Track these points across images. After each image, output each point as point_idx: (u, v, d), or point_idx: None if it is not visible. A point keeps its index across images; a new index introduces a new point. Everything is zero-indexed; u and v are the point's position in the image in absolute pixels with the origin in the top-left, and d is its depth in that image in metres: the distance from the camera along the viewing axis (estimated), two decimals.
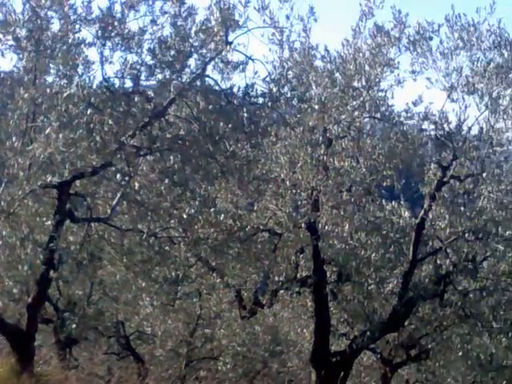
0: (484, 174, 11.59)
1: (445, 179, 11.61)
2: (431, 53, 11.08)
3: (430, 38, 11.01)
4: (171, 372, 17.62)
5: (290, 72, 10.34)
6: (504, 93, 11.15)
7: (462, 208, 11.72)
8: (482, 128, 11.35)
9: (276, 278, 11.86)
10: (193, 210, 9.60)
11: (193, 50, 9.21)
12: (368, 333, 11.82)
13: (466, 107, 11.28)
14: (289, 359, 17.58)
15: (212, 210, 9.97)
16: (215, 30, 9.11)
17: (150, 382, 15.24)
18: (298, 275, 12.01)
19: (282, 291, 12.36)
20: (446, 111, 11.35)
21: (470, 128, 11.43)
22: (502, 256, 11.91)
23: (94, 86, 9.21)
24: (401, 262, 11.99)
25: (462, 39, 10.97)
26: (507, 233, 11.50)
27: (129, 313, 16.36)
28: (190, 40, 9.19)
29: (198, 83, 9.40)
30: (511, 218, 11.61)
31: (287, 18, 10.11)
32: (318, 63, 11.23)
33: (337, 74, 11.16)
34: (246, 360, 17.55)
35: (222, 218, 10.04)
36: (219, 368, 17.43)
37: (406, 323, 12.55)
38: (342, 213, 11.76)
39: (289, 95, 9.71)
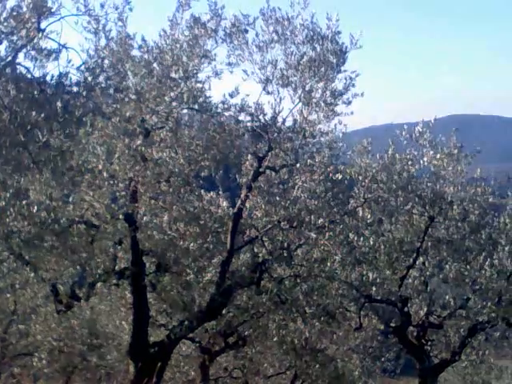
0: (298, 165, 11.93)
1: (261, 170, 11.85)
2: (247, 45, 11.24)
3: (246, 31, 11.16)
4: None
5: (105, 61, 10.14)
6: (316, 86, 11.48)
7: (278, 198, 12.02)
8: (295, 120, 11.66)
9: (93, 271, 11.64)
10: (3, 203, 9.19)
11: (3, 36, 8.78)
12: (186, 322, 11.87)
13: (280, 99, 11.53)
14: (108, 352, 17.39)
15: (24, 202, 9.58)
16: (27, 16, 8.73)
17: None
18: (117, 267, 11.87)
19: (99, 284, 12.16)
20: (262, 103, 11.54)
21: (284, 120, 11.68)
22: (314, 243, 12.37)
23: None
24: (219, 251, 12.13)
25: (276, 33, 11.19)
26: (319, 221, 11.94)
27: None
28: (0, 26, 8.76)
29: (9, 71, 8.98)
30: (323, 207, 12.04)
31: (102, 6, 9.89)
32: (136, 53, 11.09)
33: (154, 65, 11.05)
34: (63, 355, 17.20)
35: (35, 211, 9.68)
36: (34, 364, 16.98)
37: (224, 311, 12.73)
38: (160, 203, 11.75)
39: (104, 85, 9.51)
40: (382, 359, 18.57)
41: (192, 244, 11.72)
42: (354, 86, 11.46)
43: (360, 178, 12.77)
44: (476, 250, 13.76)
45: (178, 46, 10.96)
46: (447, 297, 14.23)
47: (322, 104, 11.55)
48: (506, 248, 13.85)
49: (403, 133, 13.18)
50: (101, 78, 9.55)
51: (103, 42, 10.56)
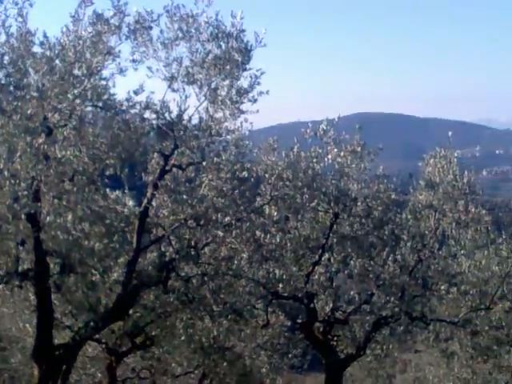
0: (204, 163, 11.93)
1: (167, 168, 11.79)
2: (152, 42, 11.17)
3: (150, 28, 11.09)
4: None
5: (5, 57, 9.88)
6: (222, 84, 11.51)
7: (184, 196, 11.97)
8: (201, 118, 11.65)
9: None
10: None
11: None
12: (92, 323, 11.69)
13: (186, 97, 11.52)
14: (11, 355, 16.97)
15: None
16: None
17: None
18: (20, 268, 11.56)
19: (1, 286, 11.84)
20: (168, 101, 11.51)
21: (190, 118, 11.64)
22: (221, 241, 12.39)
23: None
24: (125, 250, 12.00)
25: (181, 30, 11.16)
26: (226, 219, 11.97)
27: None
28: None
29: None
30: (230, 205, 12.07)
31: (1, 1, 9.66)
32: (37, 49, 10.82)
33: (56, 61, 10.79)
34: None
35: None
36: None
37: (130, 311, 12.60)
38: (64, 203, 11.50)
39: (4, 81, 9.27)
40: (290, 355, 18.74)
41: (97, 244, 11.55)
42: (259, 84, 11.53)
43: (266, 175, 12.88)
44: (379, 246, 14.08)
45: (80, 42, 10.76)
46: (352, 292, 14.51)
47: (228, 102, 11.57)
48: (408, 244, 14.23)
49: (308, 130, 13.35)
50: (0, 75, 9.31)
51: (3, 38, 10.31)
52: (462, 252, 15.33)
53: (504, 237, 15.89)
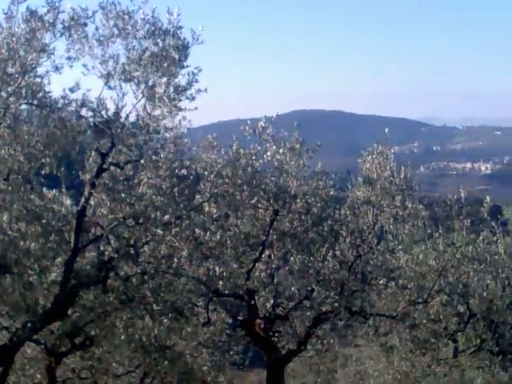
0: (142, 161, 11.84)
1: (104, 166, 11.67)
2: (87, 39, 11.02)
3: (85, 25, 10.94)
4: None
5: None
6: (160, 81, 11.42)
7: (123, 194, 11.86)
8: (139, 115, 11.56)
9: None
10: None
11: None
12: (30, 324, 11.52)
13: (123, 95, 11.39)
14: None
15: None
16: None
17: None
18: None
19: None
20: (104, 98, 11.36)
21: (127, 115, 11.51)
22: (161, 240, 12.32)
23: None
24: (63, 250, 11.84)
25: (117, 27, 11.05)
26: (165, 217, 11.91)
27: None
28: None
29: None
30: (169, 203, 12.00)
31: None
32: None
33: None
34: None
35: None
36: None
37: (69, 312, 12.44)
38: None
39: None
40: (231, 352, 18.75)
41: (34, 244, 11.37)
42: (197, 81, 11.51)
43: (206, 173, 12.85)
44: (319, 242, 14.18)
45: (14, 39, 10.58)
46: (293, 288, 14.58)
47: (166, 99, 11.51)
48: (347, 239, 14.39)
49: (247, 128, 13.39)
50: None
51: None
52: (400, 247, 15.59)
53: (440, 231, 16.20)
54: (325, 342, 16.05)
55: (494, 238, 16.88)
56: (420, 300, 15.58)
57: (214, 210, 12.90)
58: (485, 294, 16.39)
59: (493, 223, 17.09)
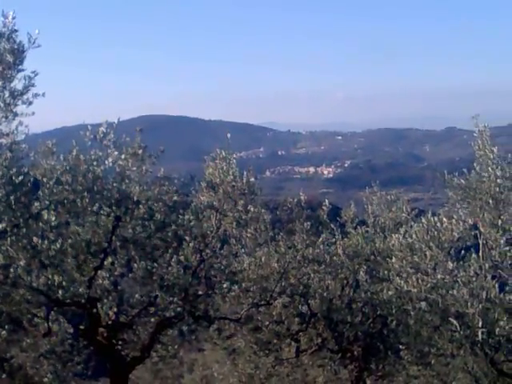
0: None
1: None
2: None
3: None
4: None
5: None
6: None
7: None
8: None
9: None
10: None
11: None
12: None
13: None
14: None
15: None
16: None
17: None
18: None
19: None
20: None
21: None
22: None
23: None
24: None
25: None
26: (1, 226, 11.52)
27: None
28: None
29: None
30: (5, 211, 11.62)
31: None
32: None
33: None
34: None
35: None
36: None
37: None
38: None
39: None
40: (73, 362, 18.30)
41: None
42: (33, 85, 11.23)
43: (45, 180, 12.50)
44: (163, 248, 14.13)
45: None
46: (137, 295, 14.45)
47: (1, 104, 11.16)
48: (191, 244, 14.42)
49: (87, 133, 13.13)
50: None
51: None
52: (243, 250, 15.83)
53: (282, 234, 16.59)
54: (169, 348, 16.00)
55: (333, 240, 17.47)
56: (263, 302, 15.87)
57: (53, 218, 12.53)
58: (325, 294, 16.95)
59: (332, 225, 17.66)
